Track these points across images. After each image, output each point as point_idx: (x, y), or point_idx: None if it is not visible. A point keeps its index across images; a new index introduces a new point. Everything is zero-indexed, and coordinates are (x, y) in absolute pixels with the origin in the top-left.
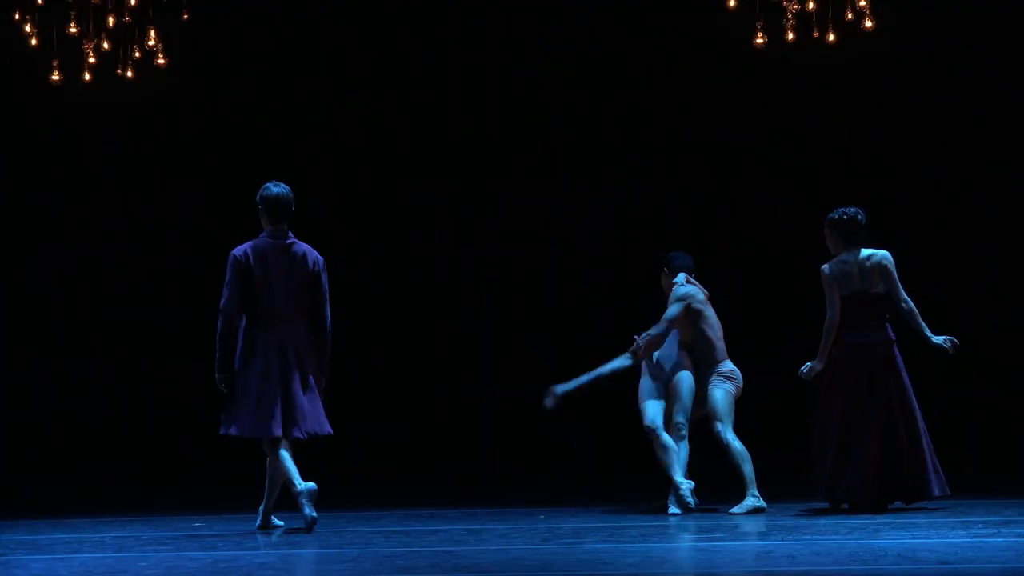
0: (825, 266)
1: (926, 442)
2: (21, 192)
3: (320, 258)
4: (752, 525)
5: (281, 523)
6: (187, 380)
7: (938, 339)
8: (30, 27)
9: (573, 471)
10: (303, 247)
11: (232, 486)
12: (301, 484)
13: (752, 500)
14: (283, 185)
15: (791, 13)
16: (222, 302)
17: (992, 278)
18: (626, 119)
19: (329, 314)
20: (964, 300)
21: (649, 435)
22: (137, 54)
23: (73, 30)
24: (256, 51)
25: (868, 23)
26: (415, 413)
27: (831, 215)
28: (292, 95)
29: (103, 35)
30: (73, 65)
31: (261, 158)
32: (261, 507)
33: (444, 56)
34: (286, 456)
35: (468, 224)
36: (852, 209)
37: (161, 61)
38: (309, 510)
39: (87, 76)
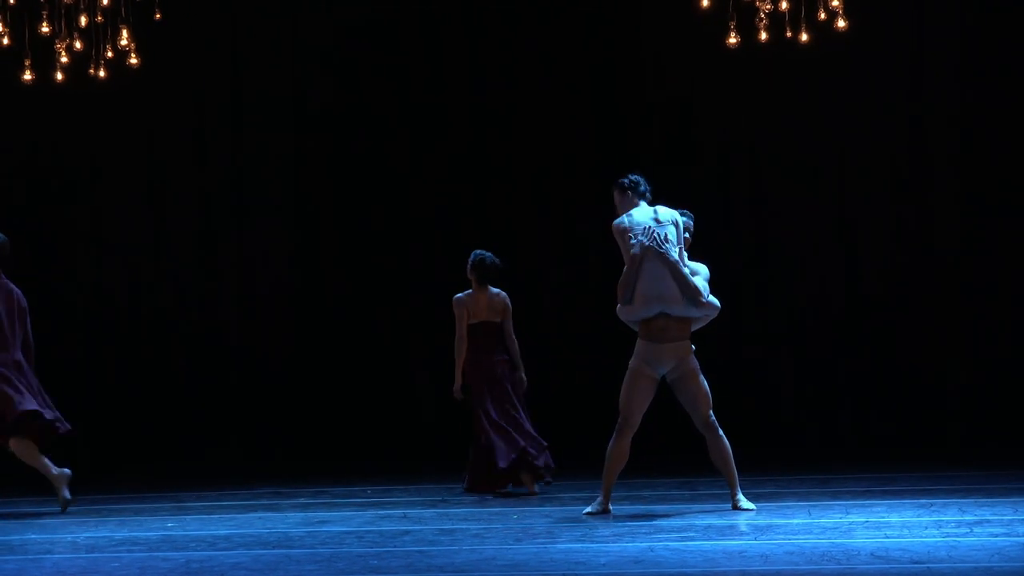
0: (458, 296)
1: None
2: None
3: (21, 292)
4: (726, 525)
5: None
6: (160, 379)
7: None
8: (1, 26)
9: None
10: (10, 285)
11: (205, 485)
12: (55, 469)
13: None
14: (1, 235)
15: (764, 13)
16: None
17: (963, 270)
18: (609, 121)
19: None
20: (933, 289)
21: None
22: (110, 54)
23: (45, 29)
24: (235, 50)
25: (841, 23)
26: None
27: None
28: (281, 94)
29: (75, 35)
30: (45, 64)
31: (242, 157)
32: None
33: (443, 57)
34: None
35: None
36: (488, 254)
37: (134, 61)
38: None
39: (59, 75)
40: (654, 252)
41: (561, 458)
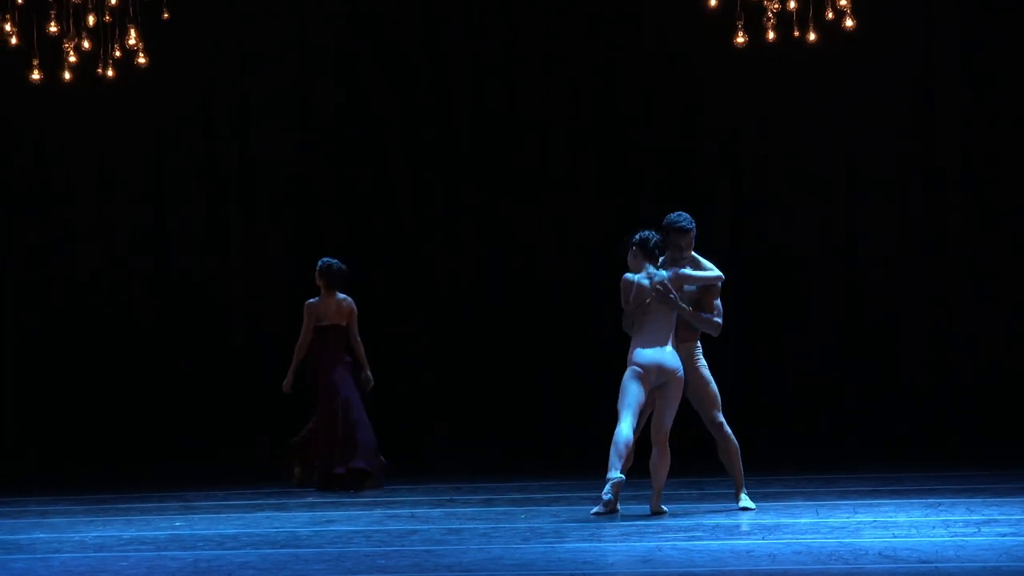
0: (310, 300)
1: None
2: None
3: None
4: (734, 525)
5: None
6: (155, 380)
7: (368, 373)
8: (10, 26)
9: (557, 468)
10: None
11: (213, 484)
12: None
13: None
14: None
15: (772, 12)
16: None
17: (971, 268)
18: (612, 122)
19: None
20: (940, 289)
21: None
22: (118, 53)
23: (53, 29)
24: (242, 49)
25: (849, 22)
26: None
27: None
28: (287, 93)
29: (83, 34)
30: (53, 64)
31: (244, 157)
32: None
33: (444, 57)
34: None
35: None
36: (335, 261)
37: (142, 60)
38: None
39: (67, 75)
40: (664, 299)
41: (565, 458)
